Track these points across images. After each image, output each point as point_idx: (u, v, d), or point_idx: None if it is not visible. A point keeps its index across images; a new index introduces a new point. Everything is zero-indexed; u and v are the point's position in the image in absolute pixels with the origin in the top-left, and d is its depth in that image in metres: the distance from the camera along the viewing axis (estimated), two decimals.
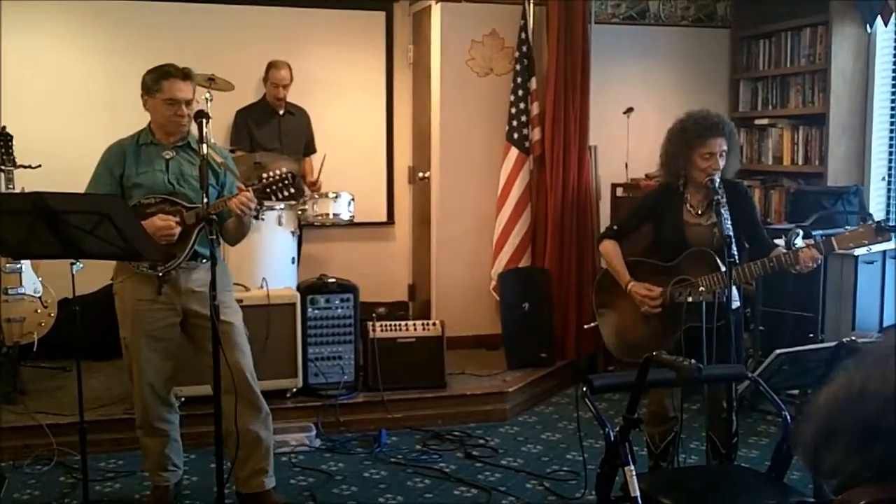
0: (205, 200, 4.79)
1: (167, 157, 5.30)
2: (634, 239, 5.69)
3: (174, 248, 5.16)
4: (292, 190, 5.32)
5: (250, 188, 5.15)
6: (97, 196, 4.51)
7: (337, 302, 7.30)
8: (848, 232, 5.03)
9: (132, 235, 4.49)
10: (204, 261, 5.30)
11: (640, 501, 3.49)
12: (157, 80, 5.19)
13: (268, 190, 5.22)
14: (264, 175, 5.23)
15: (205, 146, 4.78)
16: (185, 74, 5.24)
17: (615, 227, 5.66)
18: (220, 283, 5.37)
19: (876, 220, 4.93)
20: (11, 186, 6.93)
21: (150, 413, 5.47)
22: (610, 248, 5.58)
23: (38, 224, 4.39)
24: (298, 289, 7.30)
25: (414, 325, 7.58)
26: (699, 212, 5.34)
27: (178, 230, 5.11)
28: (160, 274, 5.22)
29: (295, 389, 7.08)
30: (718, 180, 5.15)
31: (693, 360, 3.40)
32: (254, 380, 5.47)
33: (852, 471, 1.76)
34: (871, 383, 1.77)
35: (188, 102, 5.21)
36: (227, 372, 5.18)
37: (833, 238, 4.98)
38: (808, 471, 1.84)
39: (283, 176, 5.22)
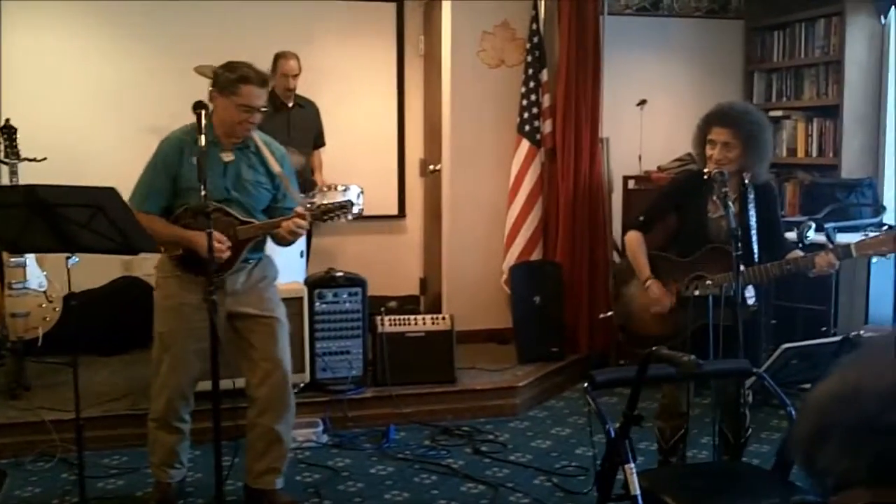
0: (202, 193, 4.69)
1: (226, 159, 5.20)
2: (657, 228, 5.65)
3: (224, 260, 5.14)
4: (349, 217, 5.34)
5: (308, 213, 5.15)
6: (90, 188, 4.43)
7: (345, 296, 7.22)
8: (868, 238, 4.96)
9: (127, 228, 4.43)
10: (250, 262, 5.32)
11: (640, 500, 3.43)
12: (236, 84, 5.06)
13: (324, 216, 5.21)
14: (324, 202, 5.20)
15: (202, 137, 4.71)
16: (264, 81, 5.16)
17: (641, 218, 5.59)
18: (268, 278, 5.46)
19: None
20: (16, 180, 6.89)
21: (172, 410, 5.44)
22: (634, 240, 5.52)
23: (34, 218, 4.35)
24: (306, 283, 7.24)
25: (423, 319, 7.51)
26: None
27: (227, 255, 5.08)
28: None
29: (302, 384, 7.01)
30: (749, 176, 5.15)
31: (693, 356, 3.33)
32: (290, 377, 5.50)
33: (845, 470, 1.71)
34: (866, 380, 1.72)
35: (261, 109, 5.12)
36: (265, 365, 5.35)
37: (852, 244, 4.92)
38: (802, 470, 1.78)
39: (343, 205, 5.23)
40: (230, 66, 5.15)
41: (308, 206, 5.22)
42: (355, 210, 7.68)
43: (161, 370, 5.39)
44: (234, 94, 5.06)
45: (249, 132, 5.19)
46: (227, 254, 5.07)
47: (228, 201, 5.15)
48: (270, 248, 7.08)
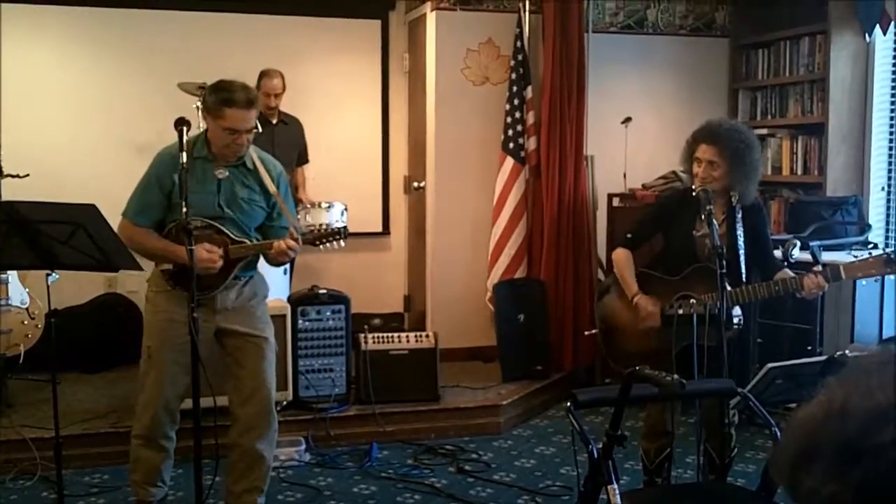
0: (184, 210, 4.65)
1: (221, 176, 5.07)
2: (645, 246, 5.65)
3: (214, 277, 5.06)
4: (342, 244, 5.26)
5: (300, 237, 5.10)
6: (71, 205, 4.39)
7: (328, 313, 7.19)
8: (857, 261, 4.94)
9: (108, 246, 4.40)
10: (241, 279, 5.24)
11: None
12: (220, 106, 4.91)
13: (317, 242, 5.17)
14: (319, 225, 5.18)
15: (184, 155, 4.66)
16: (250, 102, 4.96)
17: (629, 236, 5.57)
18: (259, 296, 5.37)
19: (887, 251, 4.87)
20: None
21: (157, 427, 5.34)
22: (622, 258, 5.50)
23: (13, 234, 4.31)
24: (289, 300, 7.20)
25: (407, 337, 7.47)
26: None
27: (219, 265, 4.98)
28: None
29: (285, 402, 6.96)
30: (735, 195, 5.13)
31: (676, 376, 3.30)
32: (273, 396, 5.41)
33: (831, 493, 1.66)
34: (853, 400, 1.67)
35: (249, 130, 4.99)
36: (251, 384, 5.25)
37: (841, 266, 4.90)
38: (787, 492, 1.74)
39: (338, 231, 5.18)
40: (216, 87, 5.01)
41: (303, 230, 5.19)
42: (338, 226, 7.70)
43: (147, 385, 5.30)
44: (219, 118, 4.93)
45: (241, 152, 5.07)
46: (220, 263, 4.98)
47: (222, 219, 5.05)
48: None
